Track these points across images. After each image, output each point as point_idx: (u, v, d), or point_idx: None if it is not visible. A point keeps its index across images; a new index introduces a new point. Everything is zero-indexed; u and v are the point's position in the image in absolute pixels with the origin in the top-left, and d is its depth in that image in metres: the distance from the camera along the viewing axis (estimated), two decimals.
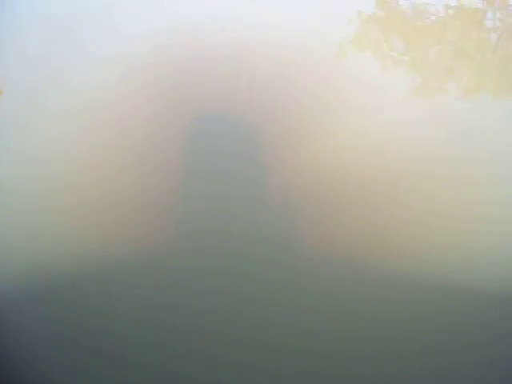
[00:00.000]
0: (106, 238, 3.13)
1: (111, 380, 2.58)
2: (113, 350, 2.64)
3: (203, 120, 4.02)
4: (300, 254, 3.09)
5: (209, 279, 2.95)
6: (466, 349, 2.69)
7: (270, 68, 4.61)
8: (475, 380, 2.62)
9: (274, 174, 3.61)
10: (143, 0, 5.40)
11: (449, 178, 3.66)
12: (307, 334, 2.72)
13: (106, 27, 4.96)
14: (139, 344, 2.65)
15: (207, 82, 4.37)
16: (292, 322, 2.77)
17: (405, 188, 3.56)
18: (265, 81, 4.48)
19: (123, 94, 4.22)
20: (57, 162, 3.62)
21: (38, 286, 2.87)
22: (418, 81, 5.05)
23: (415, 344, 2.70)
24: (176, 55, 4.62)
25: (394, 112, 4.33)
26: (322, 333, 2.73)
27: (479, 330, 2.76)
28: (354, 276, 2.98)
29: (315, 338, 2.70)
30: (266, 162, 3.68)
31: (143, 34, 4.82)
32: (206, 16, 5.11)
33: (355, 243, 3.17)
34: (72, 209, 3.30)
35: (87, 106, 4.06)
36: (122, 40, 4.79)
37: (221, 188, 3.49)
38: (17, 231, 3.16)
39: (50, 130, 3.84)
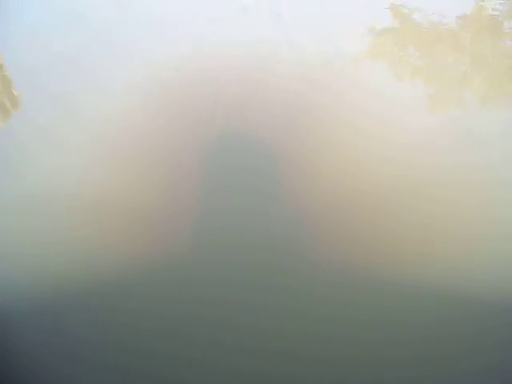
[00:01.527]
0: (120, 253, 3.23)
1: None
2: (127, 364, 2.69)
3: (218, 137, 4.11)
4: (314, 263, 3.13)
5: (223, 291, 3.01)
6: (466, 356, 2.69)
7: (283, 84, 4.69)
8: None
9: (288, 185, 3.67)
10: (154, 27, 5.56)
11: (463, 187, 3.66)
12: (315, 341, 2.77)
13: (117, 56, 5.13)
14: (152, 357, 2.71)
15: (222, 102, 4.48)
16: (304, 330, 2.82)
17: (415, 194, 3.60)
18: (279, 97, 4.56)
19: (139, 117, 4.36)
20: (71, 184, 3.75)
21: (53, 301, 2.97)
22: (433, 89, 5.05)
23: (418, 351, 2.72)
24: (192, 79, 4.73)
25: (410, 121, 4.33)
26: (326, 339, 2.77)
27: (480, 337, 2.77)
28: (358, 282, 3.02)
29: (320, 345, 2.74)
30: (280, 175, 3.74)
31: (155, 61, 4.97)
32: (218, 39, 5.23)
33: (359, 249, 3.21)
34: (86, 226, 3.42)
35: (100, 133, 4.21)
36: (134, 68, 4.94)
37: (235, 201, 3.56)
38: (27, 250, 3.27)
39: (62, 158, 3.99)
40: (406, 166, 3.80)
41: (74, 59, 5.08)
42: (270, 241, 3.28)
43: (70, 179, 3.79)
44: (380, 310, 2.89)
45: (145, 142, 4.10)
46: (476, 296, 2.93)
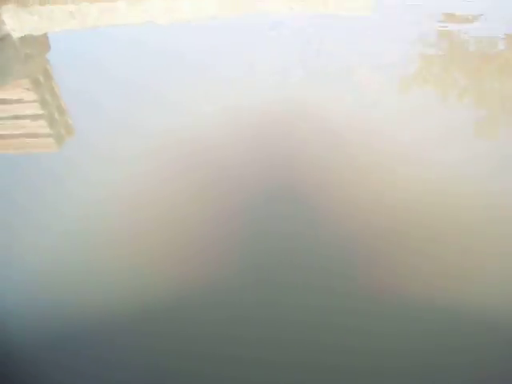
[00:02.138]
0: (169, 278, 3.36)
1: None
2: None
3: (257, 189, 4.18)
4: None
5: (266, 310, 3.11)
6: (466, 370, 2.73)
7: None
8: None
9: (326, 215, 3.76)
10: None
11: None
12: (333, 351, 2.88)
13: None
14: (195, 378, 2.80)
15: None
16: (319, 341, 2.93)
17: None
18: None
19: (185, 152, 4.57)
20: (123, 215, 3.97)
21: (98, 328, 3.08)
22: (481, 113, 4.97)
23: (419, 361, 2.79)
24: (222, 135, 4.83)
25: (458, 148, 4.30)
26: (340, 349, 2.88)
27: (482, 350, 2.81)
28: (365, 294, 3.14)
29: (335, 355, 2.85)
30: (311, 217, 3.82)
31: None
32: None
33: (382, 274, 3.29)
34: (136, 252, 3.59)
35: (142, 166, 4.44)
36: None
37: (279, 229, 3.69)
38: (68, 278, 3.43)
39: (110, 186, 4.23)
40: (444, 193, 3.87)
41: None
42: (313, 262, 3.41)
43: (118, 209, 4.00)
44: (384, 320, 2.98)
45: (189, 175, 4.30)
46: (481, 310, 2.98)
